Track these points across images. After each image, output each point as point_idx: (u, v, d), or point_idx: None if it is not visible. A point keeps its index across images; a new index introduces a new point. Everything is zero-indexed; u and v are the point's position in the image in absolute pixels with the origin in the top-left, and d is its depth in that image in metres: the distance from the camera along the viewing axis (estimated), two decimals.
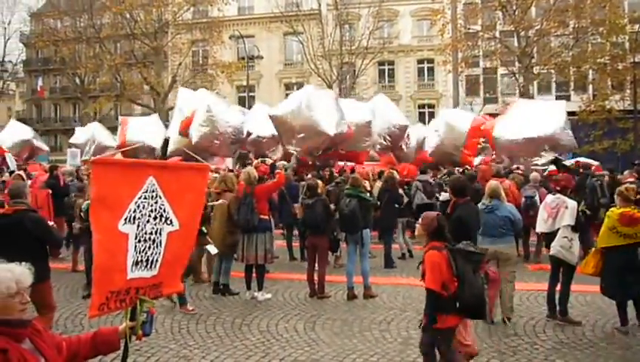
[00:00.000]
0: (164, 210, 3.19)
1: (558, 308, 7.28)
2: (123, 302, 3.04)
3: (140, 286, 3.11)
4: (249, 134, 16.95)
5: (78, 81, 39.67)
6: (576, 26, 27.90)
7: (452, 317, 4.60)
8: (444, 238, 4.78)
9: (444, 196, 8.80)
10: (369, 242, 9.30)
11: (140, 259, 3.07)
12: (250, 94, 36.52)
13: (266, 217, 8.70)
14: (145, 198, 3.06)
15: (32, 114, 53.81)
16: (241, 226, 8.54)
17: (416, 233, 5.78)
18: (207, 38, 36.09)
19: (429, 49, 39.03)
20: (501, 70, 33.89)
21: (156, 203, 3.13)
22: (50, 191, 10.38)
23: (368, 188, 10.55)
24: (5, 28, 46.70)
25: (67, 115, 51.02)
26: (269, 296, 8.59)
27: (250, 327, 7.15)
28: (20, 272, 2.46)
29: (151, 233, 3.12)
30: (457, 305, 4.54)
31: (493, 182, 7.94)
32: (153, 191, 3.10)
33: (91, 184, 2.88)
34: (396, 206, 11.23)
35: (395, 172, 12.39)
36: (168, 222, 3.22)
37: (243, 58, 34.72)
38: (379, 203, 10.86)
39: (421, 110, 41.16)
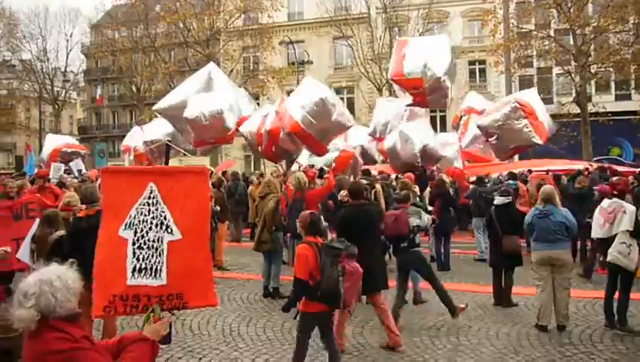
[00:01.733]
0: (165, 218, 3.17)
1: (616, 316, 7.03)
2: (135, 308, 3.04)
3: (150, 294, 3.08)
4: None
5: (134, 88, 41.00)
6: (637, 22, 26.81)
7: (315, 303, 5.11)
8: (320, 233, 5.40)
9: (498, 200, 8.71)
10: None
11: (143, 266, 3.05)
12: None
13: None
14: (145, 204, 3.08)
15: (92, 121, 55.91)
16: (292, 231, 8.63)
17: None
18: (258, 44, 36.66)
19: (480, 50, 38.34)
20: (556, 70, 32.94)
21: (157, 209, 3.13)
22: None
23: (417, 193, 10.47)
24: (68, 40, 48.98)
25: (124, 121, 52.69)
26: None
27: None
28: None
29: (153, 240, 3.11)
30: (318, 293, 5.03)
31: (547, 187, 7.76)
32: (154, 198, 3.12)
33: (102, 192, 2.98)
34: (451, 209, 11.14)
35: (444, 176, 12.30)
36: (168, 230, 3.18)
37: (293, 63, 35.06)
38: (430, 208, 10.75)
39: None
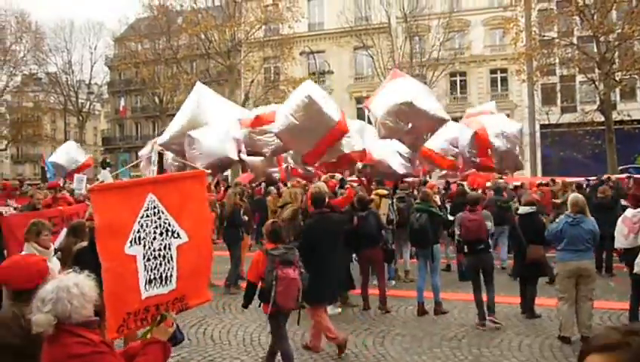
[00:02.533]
0: (169, 224, 3.16)
1: None
2: (144, 321, 3.04)
3: (159, 303, 3.10)
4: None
5: (157, 100, 41.56)
6: None
7: (266, 305, 5.69)
8: (280, 241, 5.90)
9: (523, 209, 8.69)
10: (439, 257, 9.19)
11: (152, 276, 3.05)
12: None
13: None
14: (147, 216, 3.04)
15: (116, 132, 56.74)
16: None
17: None
18: (279, 54, 36.96)
19: (502, 58, 38.10)
20: (579, 78, 32.54)
21: (159, 218, 3.11)
22: None
23: (438, 203, 10.41)
24: (92, 53, 49.82)
25: (147, 132, 53.32)
26: (338, 310, 8.62)
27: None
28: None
29: (160, 249, 3.10)
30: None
31: (579, 197, 7.57)
32: (155, 208, 3.08)
33: (94, 212, 2.89)
34: None
35: (465, 185, 12.23)
36: (175, 235, 3.19)
37: (314, 73, 35.17)
38: (452, 218, 10.68)
39: None
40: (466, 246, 8.14)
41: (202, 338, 7.37)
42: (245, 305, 6.02)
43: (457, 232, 8.28)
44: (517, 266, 8.71)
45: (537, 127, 32.29)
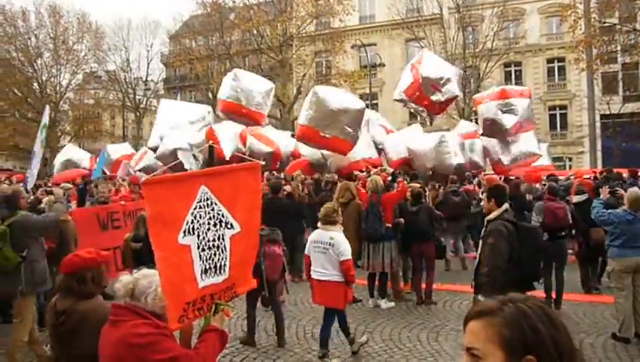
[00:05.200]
0: (223, 215, 3.21)
1: None
2: (201, 310, 3.10)
3: (214, 292, 3.17)
4: None
5: (210, 95, 42.25)
6: None
7: (257, 279, 6.36)
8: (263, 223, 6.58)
9: (576, 198, 9.44)
10: None
11: (207, 266, 3.11)
12: (373, 102, 36.76)
13: (390, 225, 8.74)
14: (200, 208, 3.09)
15: None
16: (368, 235, 8.60)
17: None
18: (330, 48, 36.94)
19: (559, 47, 36.94)
20: None
21: (212, 210, 3.16)
22: None
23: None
24: (148, 50, 51.26)
25: None
26: (392, 304, 8.61)
27: (372, 335, 7.21)
28: None
29: (214, 240, 3.16)
30: None
31: (638, 193, 7.30)
32: (208, 200, 3.13)
33: (145, 204, 2.92)
34: (525, 213, 10.79)
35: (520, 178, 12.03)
36: (229, 226, 3.25)
37: (365, 66, 35.04)
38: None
39: (552, 112, 39.01)
40: (547, 233, 8.45)
41: (255, 331, 7.49)
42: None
43: (539, 220, 8.58)
44: (580, 249, 9.56)
45: (597, 117, 31.11)
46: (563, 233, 8.72)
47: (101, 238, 7.69)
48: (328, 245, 6.27)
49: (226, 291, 3.26)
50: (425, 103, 16.82)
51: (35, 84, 43.70)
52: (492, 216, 5.61)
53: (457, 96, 17.18)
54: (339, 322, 6.46)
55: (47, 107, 16.32)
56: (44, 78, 43.79)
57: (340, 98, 14.70)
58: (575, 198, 9.61)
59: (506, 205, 5.64)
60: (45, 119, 14.76)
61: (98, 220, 8.17)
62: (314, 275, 6.43)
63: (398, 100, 18.20)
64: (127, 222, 8.08)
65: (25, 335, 6.02)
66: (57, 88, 44.71)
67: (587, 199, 9.14)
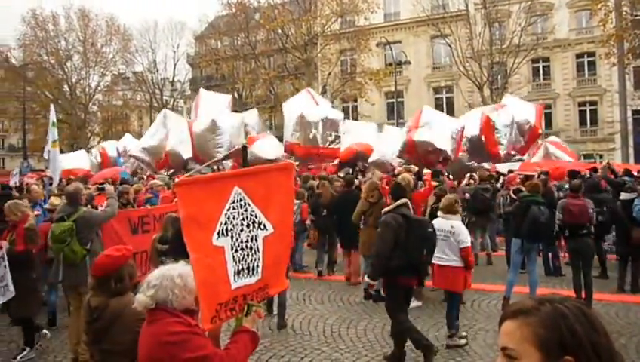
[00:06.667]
0: (256, 216, 3.20)
1: None
2: (233, 311, 3.09)
3: (246, 293, 3.16)
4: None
5: (236, 95, 42.57)
6: None
7: None
8: None
9: (624, 195, 9.43)
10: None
11: (240, 267, 3.11)
12: (399, 100, 36.59)
13: None
14: (234, 209, 3.08)
15: None
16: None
17: None
18: (355, 46, 36.90)
19: (589, 41, 36.24)
20: None
21: (246, 211, 3.14)
22: None
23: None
24: (175, 51, 51.80)
25: None
26: (419, 303, 8.54)
27: None
28: None
29: (247, 241, 3.14)
30: None
31: None
32: (241, 201, 3.12)
33: (179, 205, 2.92)
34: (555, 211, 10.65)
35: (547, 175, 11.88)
36: (262, 227, 3.23)
37: (390, 64, 34.88)
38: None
39: (581, 108, 38.29)
40: (567, 231, 8.49)
41: (283, 329, 7.52)
42: None
43: (559, 218, 8.58)
44: (619, 247, 9.65)
45: (629, 113, 30.44)
46: (584, 231, 8.43)
47: (130, 242, 7.73)
48: (449, 233, 6.72)
49: (259, 292, 3.25)
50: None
51: (65, 87, 44.60)
52: (387, 208, 6.45)
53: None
54: (453, 305, 6.83)
55: (52, 106, 16.59)
56: (73, 80, 44.70)
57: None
58: (623, 195, 9.54)
59: (402, 200, 6.30)
60: (52, 117, 15.01)
61: (130, 224, 8.21)
62: (435, 261, 6.75)
63: None
64: (156, 226, 8.06)
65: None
66: (86, 90, 45.62)
67: (635, 198, 9.15)
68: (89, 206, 7.83)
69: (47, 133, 15.95)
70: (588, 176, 12.02)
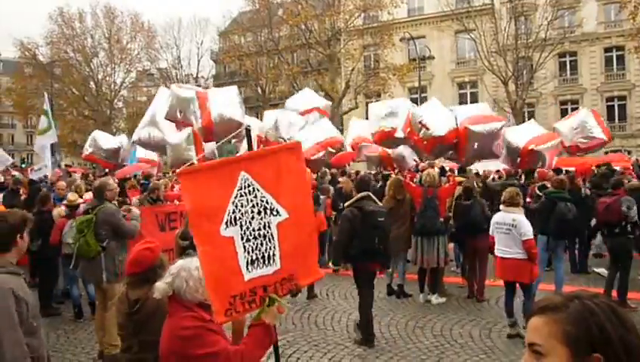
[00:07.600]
0: (267, 202, 3.01)
1: None
2: (253, 303, 2.97)
3: (266, 284, 3.01)
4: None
5: (260, 90, 42.76)
6: None
7: None
8: None
9: None
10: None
11: (254, 257, 2.96)
12: (423, 95, 36.33)
13: (443, 219, 8.68)
14: (242, 196, 2.93)
15: None
16: (426, 229, 8.47)
17: None
18: (378, 42, 36.71)
19: (617, 35, 35.53)
20: None
21: (255, 197, 2.97)
22: None
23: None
24: (198, 48, 52.29)
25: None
26: (443, 299, 8.51)
27: (423, 330, 7.15)
28: None
29: (259, 229, 2.98)
30: None
31: None
32: (249, 186, 2.95)
33: (183, 196, 2.83)
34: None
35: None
36: (274, 213, 3.04)
37: (414, 59, 34.62)
38: None
39: (609, 103, 37.60)
40: (605, 229, 8.43)
41: (307, 323, 7.55)
42: None
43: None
44: None
45: None
46: (616, 230, 8.11)
47: (158, 239, 7.75)
48: (511, 226, 6.74)
49: (283, 283, 3.08)
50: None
51: (92, 83, 45.26)
52: (348, 202, 7.08)
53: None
54: (528, 295, 6.84)
55: (46, 93, 16.50)
56: (99, 77, 45.37)
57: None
58: None
59: (363, 193, 6.85)
60: (46, 106, 14.85)
61: (157, 221, 8.25)
62: (498, 253, 6.90)
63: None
64: (182, 223, 8.08)
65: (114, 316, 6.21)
66: (112, 86, 46.25)
67: None
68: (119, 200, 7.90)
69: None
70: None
